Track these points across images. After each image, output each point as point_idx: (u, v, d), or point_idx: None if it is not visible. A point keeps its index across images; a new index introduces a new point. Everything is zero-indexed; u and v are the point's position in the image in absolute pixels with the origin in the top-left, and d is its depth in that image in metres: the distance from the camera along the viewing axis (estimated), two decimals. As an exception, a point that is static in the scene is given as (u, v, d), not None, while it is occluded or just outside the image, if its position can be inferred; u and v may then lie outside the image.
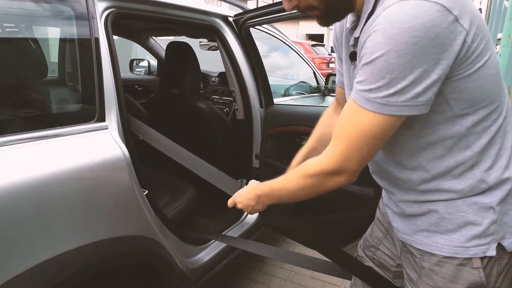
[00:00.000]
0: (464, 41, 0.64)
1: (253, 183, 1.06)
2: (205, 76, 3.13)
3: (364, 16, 0.76)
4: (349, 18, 0.86)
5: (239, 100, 2.06)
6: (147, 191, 1.31)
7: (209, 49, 3.27)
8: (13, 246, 0.91)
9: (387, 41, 0.63)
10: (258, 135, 2.10)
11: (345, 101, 0.84)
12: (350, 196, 1.69)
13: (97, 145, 1.13)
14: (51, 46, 1.33)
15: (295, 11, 0.83)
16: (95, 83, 1.19)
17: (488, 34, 0.69)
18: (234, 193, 1.11)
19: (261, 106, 2.09)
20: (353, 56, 0.86)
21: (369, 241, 1.15)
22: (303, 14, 0.86)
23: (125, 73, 3.59)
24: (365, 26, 0.72)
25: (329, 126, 1.09)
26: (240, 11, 2.02)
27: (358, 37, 0.77)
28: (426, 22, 0.60)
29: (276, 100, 2.20)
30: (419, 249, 0.86)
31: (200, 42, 3.20)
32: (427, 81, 0.64)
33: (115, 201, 1.15)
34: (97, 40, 1.23)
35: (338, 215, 1.84)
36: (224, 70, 2.13)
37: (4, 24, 1.18)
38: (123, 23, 2.56)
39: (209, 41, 2.99)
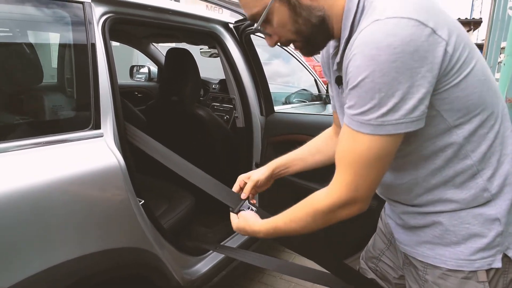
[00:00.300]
0: (445, 51, 0.64)
1: (251, 219, 0.97)
2: (206, 83, 3.10)
3: (342, 42, 0.77)
4: (332, 43, 0.89)
5: (239, 107, 2.03)
6: (143, 201, 1.27)
7: (210, 56, 3.25)
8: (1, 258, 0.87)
9: (368, 63, 0.63)
10: (259, 143, 2.06)
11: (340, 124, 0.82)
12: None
13: (92, 153, 1.10)
14: (47, 52, 1.30)
15: None
16: (91, 89, 1.16)
17: (470, 42, 0.69)
18: (232, 204, 1.07)
19: (261, 114, 2.06)
20: (339, 81, 0.87)
21: (371, 252, 1.13)
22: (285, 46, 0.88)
23: (126, 79, 3.58)
24: (346, 51, 0.73)
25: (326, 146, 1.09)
26: (241, 17, 2.00)
27: (339, 62, 0.79)
28: (404, 38, 0.61)
29: (277, 108, 2.17)
30: (422, 262, 0.84)
31: (201, 49, 3.18)
32: (417, 95, 0.63)
33: (109, 212, 1.12)
34: (93, 45, 1.20)
35: (340, 226, 1.79)
36: (224, 77, 2.10)
37: (5, 34, 1.15)
38: (123, 29, 2.55)
39: (209, 48, 2.97)
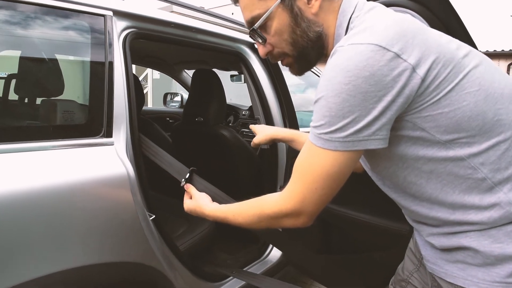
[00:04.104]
0: (412, 74, 0.64)
1: (202, 201, 1.03)
2: (236, 110, 3.10)
3: None
4: None
5: (263, 128, 1.97)
6: (154, 216, 1.22)
7: (239, 81, 3.27)
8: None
9: (325, 83, 0.68)
10: (283, 166, 1.98)
11: None
12: (384, 233, 1.52)
13: (99, 160, 1.07)
14: (66, 60, 1.33)
15: None
16: (105, 100, 1.16)
17: (456, 57, 0.68)
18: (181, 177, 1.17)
19: (286, 134, 1.99)
20: None
21: (400, 274, 1.03)
22: (274, 61, 0.92)
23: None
24: None
25: None
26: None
27: None
28: (359, 62, 0.64)
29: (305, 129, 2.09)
30: (450, 283, 0.76)
31: (231, 75, 3.20)
32: (368, 118, 0.65)
33: (113, 222, 1.06)
34: (112, 59, 1.21)
35: (372, 254, 1.64)
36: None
37: (26, 43, 1.19)
38: (155, 55, 2.62)
39: (239, 73, 2.99)
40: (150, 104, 7.81)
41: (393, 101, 0.65)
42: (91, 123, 1.14)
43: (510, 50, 11.75)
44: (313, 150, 0.71)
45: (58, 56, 1.24)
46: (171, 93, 3.77)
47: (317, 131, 0.70)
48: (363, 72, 0.63)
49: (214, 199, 1.07)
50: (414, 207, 0.80)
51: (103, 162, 1.08)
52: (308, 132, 0.76)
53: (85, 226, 1.00)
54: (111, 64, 1.21)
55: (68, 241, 0.97)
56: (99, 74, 1.19)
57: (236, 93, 4.04)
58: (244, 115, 3.02)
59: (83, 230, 1.00)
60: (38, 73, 1.22)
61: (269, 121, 1.94)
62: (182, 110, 3.51)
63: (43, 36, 1.17)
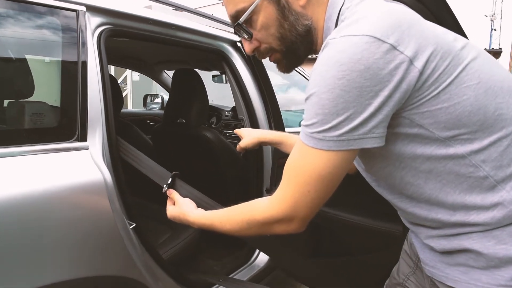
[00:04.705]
0: (410, 66, 0.60)
1: (186, 207, 0.98)
2: (218, 111, 3.04)
3: None
4: None
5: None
6: (134, 224, 1.14)
7: (226, 81, 3.20)
8: None
9: (318, 78, 0.64)
10: (269, 167, 1.92)
11: None
12: (377, 235, 1.49)
13: (72, 166, 0.99)
14: (36, 60, 1.24)
15: None
16: (78, 101, 1.08)
17: (454, 49, 0.64)
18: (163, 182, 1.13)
19: (271, 135, 1.93)
20: None
21: (395, 278, 1.00)
22: (262, 58, 0.86)
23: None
24: None
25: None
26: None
27: None
28: (353, 55, 0.60)
29: (288, 130, 2.05)
30: None
31: (213, 75, 3.14)
32: (364, 114, 0.62)
33: (89, 233, 0.99)
34: (85, 58, 1.14)
35: (364, 257, 1.61)
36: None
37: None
38: (133, 56, 2.53)
39: (221, 73, 2.93)
40: (130, 107, 7.65)
41: (390, 96, 0.61)
42: (64, 126, 1.06)
43: (485, 49, 12.13)
44: (305, 150, 0.67)
45: (27, 56, 1.15)
46: (151, 95, 3.67)
47: (309, 130, 0.66)
48: (358, 66, 0.59)
49: (198, 205, 1.01)
50: (412, 209, 0.76)
51: (77, 168, 1.00)
52: (295, 132, 0.70)
53: (58, 239, 0.92)
54: (84, 63, 1.13)
55: (38, 256, 0.89)
56: (72, 74, 1.11)
57: (217, 94, 3.98)
58: (227, 116, 2.97)
59: (55, 243, 0.92)
60: (5, 73, 1.13)
61: (254, 122, 1.88)
62: (163, 112, 3.43)
63: (10, 33, 1.08)
